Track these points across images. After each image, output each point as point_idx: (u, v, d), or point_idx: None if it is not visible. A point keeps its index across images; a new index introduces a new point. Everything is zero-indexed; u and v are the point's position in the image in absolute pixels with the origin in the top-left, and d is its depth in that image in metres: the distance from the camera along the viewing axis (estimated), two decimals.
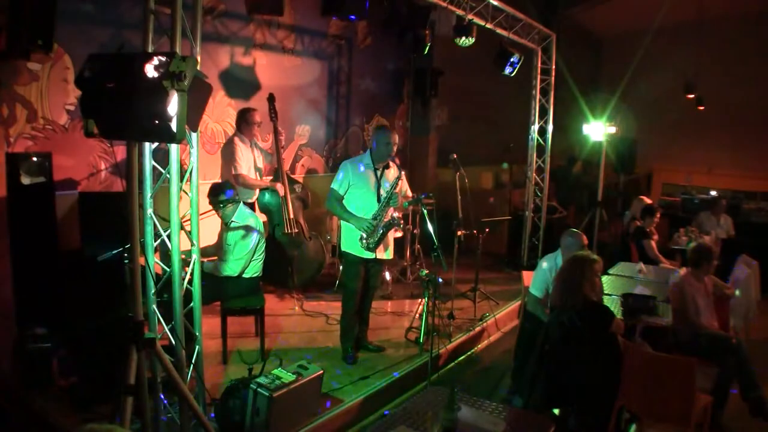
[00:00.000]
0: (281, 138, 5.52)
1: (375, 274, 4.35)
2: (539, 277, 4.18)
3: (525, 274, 4.91)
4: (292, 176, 5.87)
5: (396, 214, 4.14)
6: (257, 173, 5.29)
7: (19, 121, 4.20)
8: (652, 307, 4.07)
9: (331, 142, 7.17)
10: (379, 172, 4.18)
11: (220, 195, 4.19)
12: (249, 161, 5.18)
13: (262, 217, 5.47)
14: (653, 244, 5.92)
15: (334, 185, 4.18)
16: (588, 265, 3.30)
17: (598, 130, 7.25)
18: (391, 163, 4.22)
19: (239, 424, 3.09)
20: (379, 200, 4.12)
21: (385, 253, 4.27)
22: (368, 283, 4.33)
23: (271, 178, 5.56)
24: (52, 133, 4.39)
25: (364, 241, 4.11)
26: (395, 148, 4.15)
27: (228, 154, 5.10)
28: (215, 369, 3.96)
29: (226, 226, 4.27)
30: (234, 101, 5.80)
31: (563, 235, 4.21)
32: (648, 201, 6.35)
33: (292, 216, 5.44)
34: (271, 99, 5.47)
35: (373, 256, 4.18)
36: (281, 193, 5.39)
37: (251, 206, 5.27)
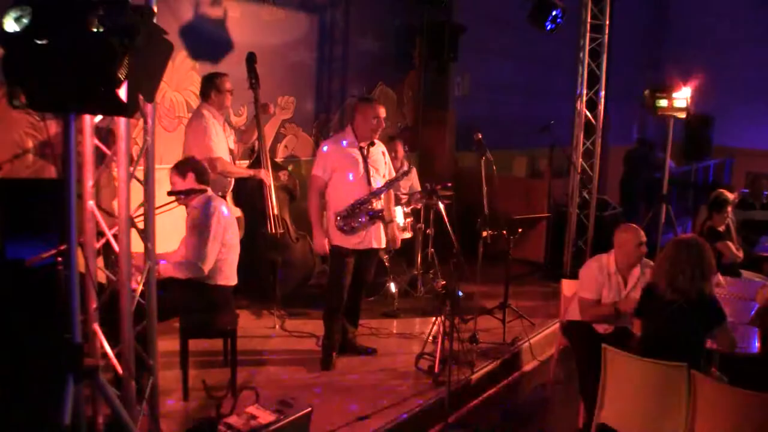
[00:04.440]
0: (269, 110, 5.51)
1: (365, 267, 4.75)
2: (589, 278, 4.34)
3: (565, 283, 4.93)
4: (277, 160, 5.87)
5: (379, 206, 4.61)
6: (230, 158, 5.28)
7: None
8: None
9: (322, 118, 7.16)
10: (365, 151, 4.60)
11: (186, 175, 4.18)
12: (223, 142, 5.16)
13: (237, 212, 5.49)
14: (730, 245, 5.91)
15: (317, 171, 4.58)
16: (708, 249, 3.60)
17: (684, 103, 7.14)
18: (376, 141, 4.67)
19: None
20: (369, 183, 4.55)
21: (376, 242, 4.69)
22: (359, 278, 4.72)
23: (247, 163, 5.56)
24: None
25: (341, 219, 4.51)
26: (383, 123, 4.63)
27: (197, 131, 5.04)
28: (173, 405, 3.96)
29: (187, 214, 4.30)
30: (199, 64, 5.78)
31: (617, 231, 4.38)
32: (730, 195, 6.31)
33: (276, 212, 5.43)
34: (250, 59, 5.46)
35: (366, 247, 4.61)
36: (267, 182, 5.40)
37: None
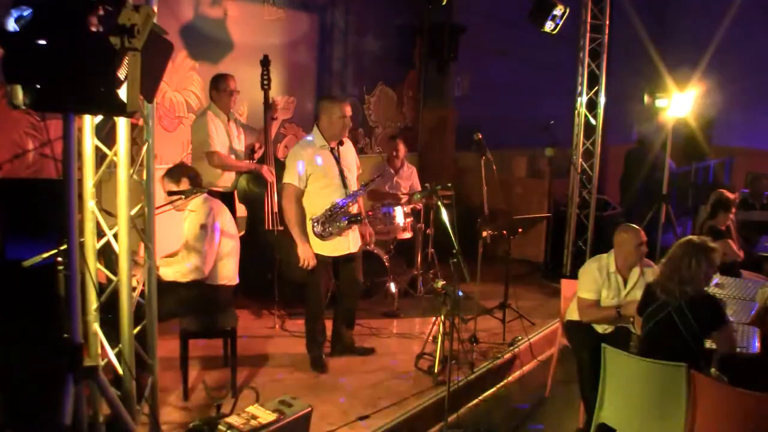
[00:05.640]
0: (275, 112, 5.56)
1: (350, 271, 4.70)
2: (588, 278, 4.32)
3: (565, 283, 4.93)
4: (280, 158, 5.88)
5: (355, 209, 4.55)
6: (233, 155, 5.37)
7: None
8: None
9: None
10: (336, 153, 4.49)
11: (180, 181, 4.19)
12: (223, 140, 5.25)
13: (241, 209, 5.54)
14: (731, 243, 5.92)
15: (291, 179, 4.38)
16: (709, 253, 3.55)
17: (684, 103, 7.18)
18: (344, 139, 4.55)
19: None
20: (344, 185, 4.46)
21: (353, 245, 4.63)
22: (348, 282, 4.74)
23: (253, 161, 5.58)
24: None
25: (318, 226, 4.39)
26: (350, 122, 4.50)
27: (199, 129, 5.20)
28: (173, 405, 3.96)
29: (184, 218, 4.31)
30: (199, 64, 5.79)
31: (617, 231, 4.36)
32: (730, 195, 6.32)
33: (276, 210, 5.46)
34: (265, 62, 5.51)
35: (344, 252, 4.56)
36: (269, 178, 5.42)
37: (229, 197, 5.31)
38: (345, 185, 4.46)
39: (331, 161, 4.45)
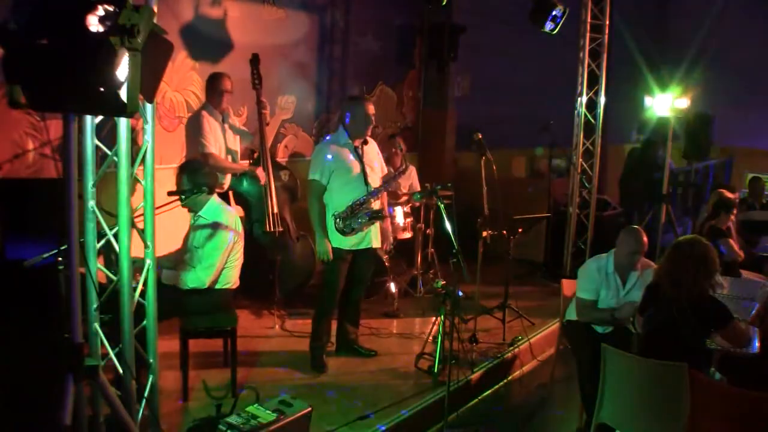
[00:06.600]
0: (265, 112, 5.57)
1: (365, 266, 4.77)
2: (587, 278, 4.34)
3: (565, 283, 4.94)
4: (278, 160, 5.89)
5: (377, 205, 4.57)
6: (229, 157, 5.35)
7: None
8: None
9: (322, 117, 7.16)
10: (360, 151, 4.58)
11: (197, 176, 4.16)
12: (219, 141, 5.24)
13: (239, 211, 5.51)
14: (732, 243, 5.93)
15: (315, 175, 4.50)
16: (713, 254, 3.56)
17: (664, 103, 7.22)
18: (368, 138, 4.64)
19: None
20: (366, 182, 4.52)
21: (375, 241, 4.71)
22: (358, 278, 4.76)
23: (250, 161, 5.59)
24: None
25: (340, 221, 4.47)
26: (374, 120, 4.60)
27: (193, 129, 5.19)
28: (173, 405, 3.96)
29: (192, 222, 4.29)
30: (199, 64, 5.79)
31: (621, 233, 4.37)
32: (730, 196, 6.32)
33: (275, 211, 5.47)
34: (254, 61, 5.54)
35: (365, 246, 4.61)
36: (263, 180, 5.43)
37: (224, 196, 5.31)
38: (367, 183, 4.54)
39: (355, 159, 4.54)
